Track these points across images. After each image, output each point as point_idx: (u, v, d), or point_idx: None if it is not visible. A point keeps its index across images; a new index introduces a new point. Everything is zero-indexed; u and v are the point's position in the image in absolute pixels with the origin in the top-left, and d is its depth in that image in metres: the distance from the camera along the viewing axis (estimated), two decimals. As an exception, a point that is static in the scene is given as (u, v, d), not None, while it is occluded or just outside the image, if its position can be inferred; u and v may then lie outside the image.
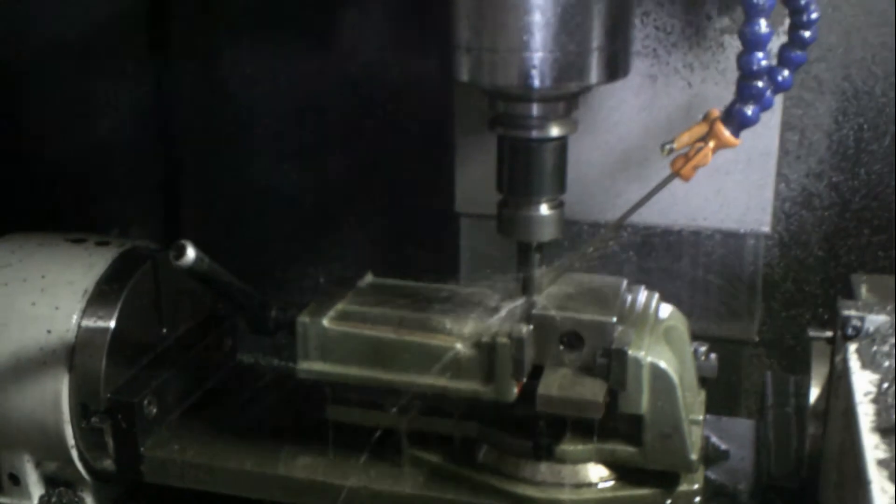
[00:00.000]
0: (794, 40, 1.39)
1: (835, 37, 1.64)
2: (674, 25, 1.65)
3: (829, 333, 1.30)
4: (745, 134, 1.40)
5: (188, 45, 2.03)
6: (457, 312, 1.40)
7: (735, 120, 1.38)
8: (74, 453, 1.52)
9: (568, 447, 1.37)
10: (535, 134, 1.33)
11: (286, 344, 1.89)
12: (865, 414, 1.03)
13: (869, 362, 1.13)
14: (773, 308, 1.80)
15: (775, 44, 1.38)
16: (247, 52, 1.99)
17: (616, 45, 1.30)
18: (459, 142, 1.80)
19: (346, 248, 2.04)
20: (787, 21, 1.40)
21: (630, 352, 1.29)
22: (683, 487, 1.37)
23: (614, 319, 1.33)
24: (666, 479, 1.37)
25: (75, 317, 1.50)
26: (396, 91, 1.91)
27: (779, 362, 1.82)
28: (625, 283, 1.44)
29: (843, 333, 1.20)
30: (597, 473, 1.38)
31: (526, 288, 1.40)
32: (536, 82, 1.26)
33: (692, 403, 1.40)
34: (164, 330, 1.63)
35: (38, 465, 1.56)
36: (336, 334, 1.39)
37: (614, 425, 1.35)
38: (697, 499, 1.37)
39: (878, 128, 1.68)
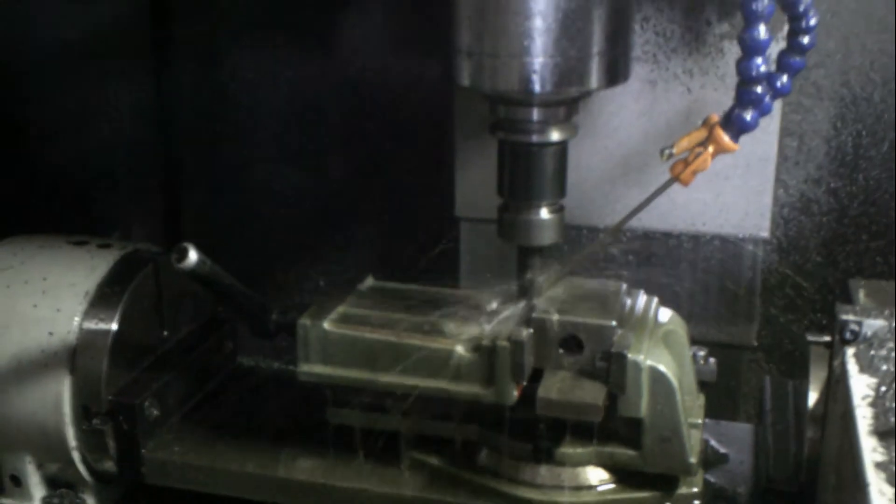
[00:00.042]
0: (793, 46, 1.40)
1: (833, 43, 1.64)
2: (673, 31, 1.66)
3: (827, 338, 1.31)
4: (744, 139, 1.41)
5: (190, 47, 2.03)
6: (457, 316, 1.40)
7: (734, 125, 1.38)
8: (76, 455, 1.53)
9: (567, 450, 1.37)
10: (535, 138, 1.34)
11: (286, 347, 1.91)
12: (863, 417, 1.04)
13: (867, 366, 1.14)
14: (771, 313, 1.80)
15: (774, 50, 1.39)
16: (248, 54, 1.99)
17: (616, 51, 1.31)
18: (459, 146, 1.81)
19: (345, 251, 2.04)
20: (785, 27, 1.41)
21: (629, 355, 1.30)
22: (682, 490, 1.37)
23: (614, 323, 1.33)
24: (665, 482, 1.37)
25: (77, 319, 1.51)
26: (397, 95, 1.92)
27: (777, 367, 1.82)
28: (624, 287, 1.44)
29: (842, 338, 1.20)
30: (596, 476, 1.39)
31: (526, 292, 1.41)
32: (537, 87, 1.27)
33: (691, 407, 1.40)
34: (166, 332, 1.63)
35: (39, 466, 1.56)
36: (337, 337, 1.39)
37: (614, 428, 1.36)
38: (696, 502, 1.38)
39: (877, 134, 1.68)
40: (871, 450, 0.97)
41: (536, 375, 1.35)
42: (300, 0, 1.91)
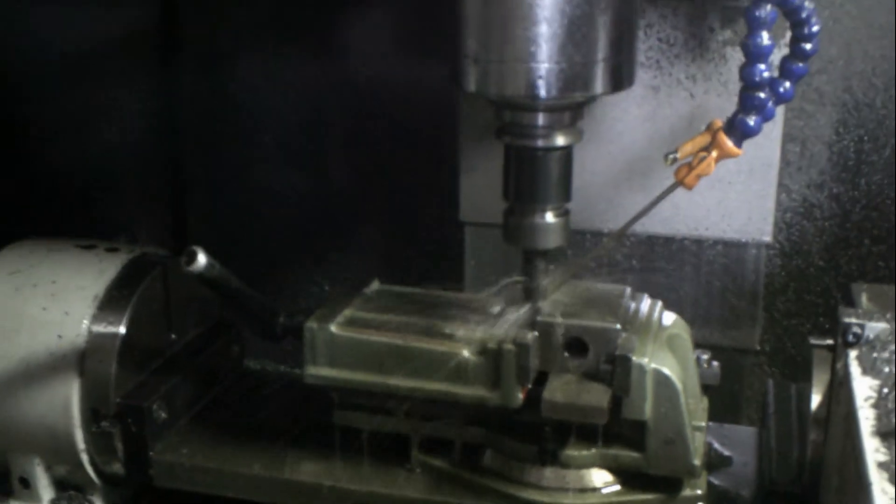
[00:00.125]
0: (796, 52, 1.41)
1: (835, 49, 1.65)
2: (677, 37, 1.67)
3: (829, 341, 1.31)
4: (746, 145, 1.42)
5: (196, 53, 2.05)
6: (463, 319, 1.42)
7: (737, 130, 1.40)
8: (84, 457, 1.54)
9: (572, 452, 1.38)
10: (541, 143, 1.35)
11: (292, 351, 1.92)
12: (866, 418, 1.05)
13: (869, 368, 1.15)
14: (774, 317, 1.81)
15: (777, 56, 1.40)
16: (252, 58, 2.00)
17: (621, 57, 1.32)
18: (464, 150, 1.82)
19: (349, 255, 2.05)
20: (788, 34, 1.43)
21: (634, 358, 1.31)
22: (686, 492, 1.38)
23: (618, 326, 1.34)
24: (669, 485, 1.38)
25: (86, 322, 1.52)
26: (401, 99, 1.93)
27: (780, 371, 1.83)
28: (628, 290, 1.45)
29: (844, 340, 1.22)
30: (600, 478, 1.39)
31: (531, 295, 1.42)
32: (543, 92, 1.28)
33: (695, 410, 1.41)
34: (173, 336, 1.64)
35: (48, 468, 1.57)
36: (344, 340, 1.40)
37: (618, 431, 1.36)
38: (700, 504, 1.39)
39: (879, 139, 1.69)
40: (873, 450, 0.99)
41: (541, 378, 1.36)
42: (304, 4, 1.93)
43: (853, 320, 1.22)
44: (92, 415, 1.51)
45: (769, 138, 1.64)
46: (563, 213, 1.40)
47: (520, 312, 1.40)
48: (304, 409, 1.61)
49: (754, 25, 1.34)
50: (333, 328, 1.41)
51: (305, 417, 1.59)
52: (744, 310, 1.78)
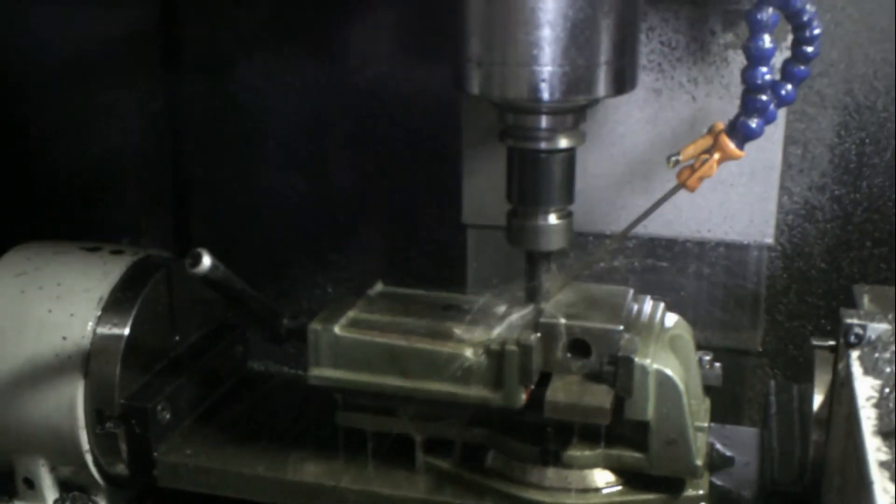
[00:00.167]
0: (797, 55, 1.42)
1: (837, 52, 1.66)
2: (678, 41, 1.67)
3: (831, 342, 1.32)
4: (748, 147, 1.43)
5: (196, 54, 2.05)
6: (466, 320, 1.42)
7: (739, 133, 1.40)
8: (89, 458, 1.54)
9: (575, 453, 1.39)
10: (544, 145, 1.36)
11: (295, 354, 1.93)
12: (868, 418, 1.05)
13: (871, 369, 1.16)
14: (776, 319, 1.81)
15: (778, 59, 1.41)
16: (256, 62, 2.00)
17: (624, 60, 1.33)
18: (466, 153, 1.83)
19: (352, 257, 2.05)
20: (790, 37, 1.43)
21: (636, 359, 1.31)
22: (688, 493, 1.38)
23: (621, 328, 1.35)
24: (671, 485, 1.38)
25: (91, 324, 1.52)
26: (403, 102, 1.93)
27: (782, 372, 1.83)
28: (631, 292, 1.46)
29: (846, 341, 1.22)
30: (603, 478, 1.40)
31: (533, 296, 1.43)
32: (546, 95, 1.29)
33: (697, 411, 1.41)
34: (177, 337, 1.65)
35: (52, 469, 1.57)
36: (347, 341, 1.41)
37: (620, 431, 1.37)
38: (702, 504, 1.40)
39: (880, 142, 1.69)
40: (875, 449, 0.99)
41: (544, 379, 1.36)
42: (307, 9, 1.93)
43: (855, 321, 1.22)
44: (96, 416, 1.52)
45: (771, 141, 1.65)
46: (567, 215, 1.41)
47: (523, 314, 1.40)
48: (307, 410, 1.62)
49: (756, 28, 1.35)
50: (337, 330, 1.41)
51: (308, 419, 1.60)
52: (746, 311, 1.79)
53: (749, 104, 1.39)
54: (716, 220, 1.73)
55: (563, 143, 1.36)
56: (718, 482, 1.50)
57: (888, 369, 1.14)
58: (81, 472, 1.56)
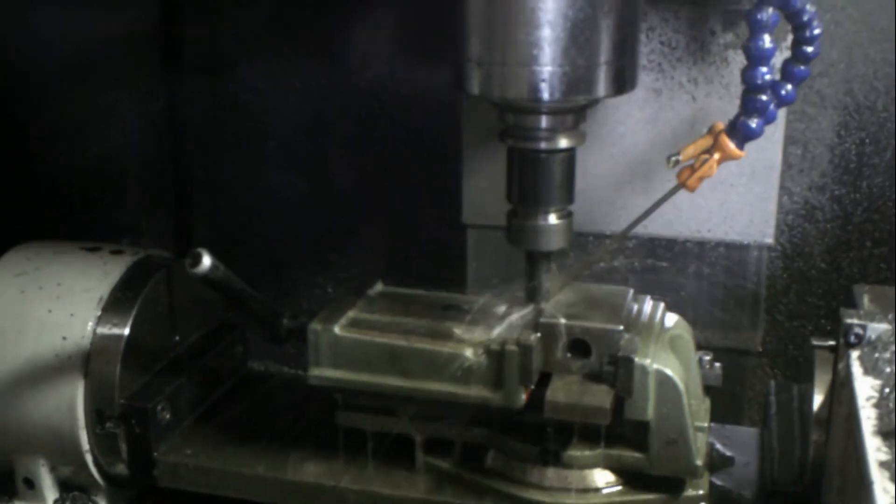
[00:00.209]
0: (797, 55, 1.42)
1: (837, 52, 1.66)
2: (678, 41, 1.68)
3: (831, 342, 1.32)
4: (748, 147, 1.43)
5: (199, 58, 2.05)
6: (466, 320, 1.42)
7: (739, 132, 1.41)
8: (89, 458, 1.54)
9: (575, 453, 1.39)
10: (544, 145, 1.36)
11: (294, 354, 1.93)
12: (868, 418, 1.06)
13: (871, 369, 1.16)
14: (776, 319, 1.81)
15: (779, 59, 1.41)
16: (256, 63, 2.01)
17: (623, 60, 1.33)
18: (466, 154, 1.83)
19: (352, 257, 2.06)
20: (790, 37, 1.43)
21: (636, 359, 1.32)
22: (688, 493, 1.39)
23: (621, 328, 1.35)
24: (671, 485, 1.39)
25: (91, 324, 1.53)
26: (404, 102, 1.93)
27: (782, 373, 1.83)
28: (631, 292, 1.46)
29: (846, 341, 1.22)
30: (603, 479, 1.40)
31: (533, 296, 1.43)
32: (546, 95, 1.29)
33: (697, 411, 1.41)
34: (177, 337, 1.65)
35: (52, 469, 1.57)
36: (348, 341, 1.41)
37: (620, 431, 1.37)
38: (702, 504, 1.40)
39: (880, 142, 1.70)
40: (875, 449, 0.99)
41: (544, 379, 1.37)
42: (307, 9, 1.93)
43: (855, 321, 1.22)
44: (96, 416, 1.52)
45: (771, 141, 1.65)
46: (567, 215, 1.42)
47: (523, 314, 1.40)
48: (306, 410, 1.62)
49: (756, 28, 1.35)
50: (337, 330, 1.42)
51: (308, 419, 1.60)
52: (746, 311, 1.79)
53: (749, 104, 1.39)
54: (716, 220, 1.73)
55: (564, 142, 1.37)
56: (718, 482, 1.50)
57: (888, 369, 1.14)
58: (81, 472, 1.56)
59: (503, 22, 1.28)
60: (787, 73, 1.43)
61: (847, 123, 1.70)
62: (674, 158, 1.42)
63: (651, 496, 1.39)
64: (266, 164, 2.05)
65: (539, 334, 1.36)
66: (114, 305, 1.54)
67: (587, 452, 1.39)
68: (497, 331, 1.38)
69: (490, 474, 1.43)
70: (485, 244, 1.87)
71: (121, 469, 1.55)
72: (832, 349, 1.31)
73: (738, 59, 1.62)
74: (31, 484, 1.58)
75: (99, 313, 1.53)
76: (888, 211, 1.72)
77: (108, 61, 2.08)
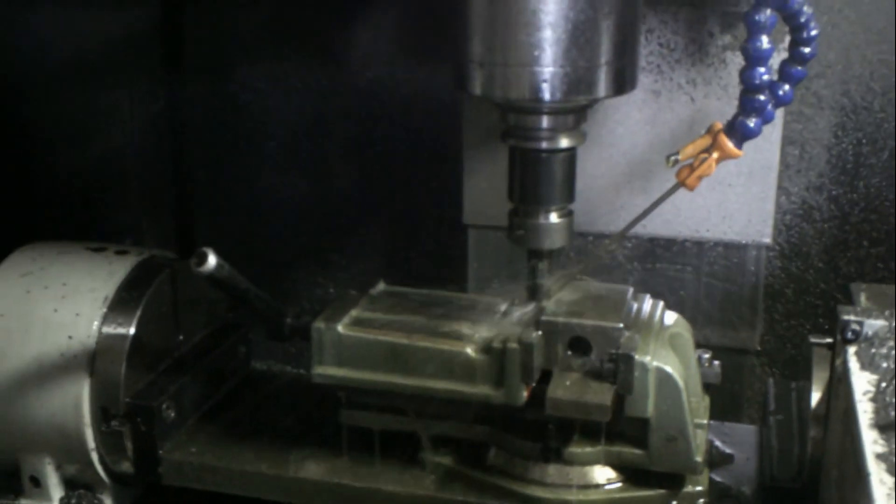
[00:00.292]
0: (795, 56, 1.43)
1: (834, 54, 1.67)
2: (677, 42, 1.69)
3: (829, 340, 1.33)
4: (746, 147, 1.44)
5: (200, 59, 2.05)
6: (468, 319, 1.44)
7: (738, 132, 1.42)
8: (94, 456, 1.55)
9: (576, 449, 1.40)
10: (545, 145, 1.38)
11: (296, 354, 1.94)
12: (865, 412, 1.07)
13: (868, 364, 1.17)
14: (774, 318, 1.82)
15: (776, 60, 1.42)
16: (258, 65, 2.01)
17: (624, 60, 1.34)
18: (467, 154, 1.83)
19: (354, 257, 2.06)
20: (787, 38, 1.45)
21: (636, 357, 1.33)
22: (688, 489, 1.40)
23: (621, 325, 1.36)
24: (671, 481, 1.40)
25: (96, 323, 1.54)
26: (405, 103, 1.93)
27: (780, 371, 1.84)
28: (631, 290, 1.47)
29: (843, 337, 1.23)
30: (604, 475, 1.41)
31: (535, 295, 1.44)
32: (547, 96, 1.31)
33: (697, 408, 1.43)
34: (181, 337, 1.66)
35: (58, 467, 1.58)
36: (351, 340, 1.42)
37: (621, 428, 1.39)
38: (702, 500, 1.40)
39: (877, 142, 1.71)
40: (871, 442, 1.01)
41: (545, 377, 1.38)
42: (308, 10, 1.94)
43: (852, 317, 1.24)
44: (102, 414, 1.53)
45: (769, 141, 1.66)
46: (567, 214, 1.43)
47: (524, 312, 1.42)
48: (310, 408, 1.63)
49: (754, 29, 1.36)
50: (340, 328, 1.43)
51: (311, 417, 1.61)
52: (744, 311, 1.80)
53: (747, 104, 1.41)
54: (714, 219, 1.74)
55: (564, 142, 1.38)
56: (718, 479, 1.51)
57: (885, 364, 1.16)
58: (87, 471, 1.57)
59: (505, 23, 1.29)
60: (784, 73, 1.44)
61: (844, 124, 1.71)
62: (673, 158, 1.43)
63: (651, 492, 1.40)
64: (266, 164, 2.06)
65: (540, 332, 1.37)
66: (119, 305, 1.55)
67: (588, 449, 1.40)
68: (499, 329, 1.40)
69: (492, 471, 1.44)
70: (485, 244, 1.88)
71: (126, 467, 1.56)
72: (830, 346, 1.32)
73: (736, 61, 1.63)
74: (38, 482, 1.59)
75: (104, 312, 1.54)
76: (885, 211, 1.73)
77: (108, 61, 2.08)
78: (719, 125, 1.44)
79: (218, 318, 1.75)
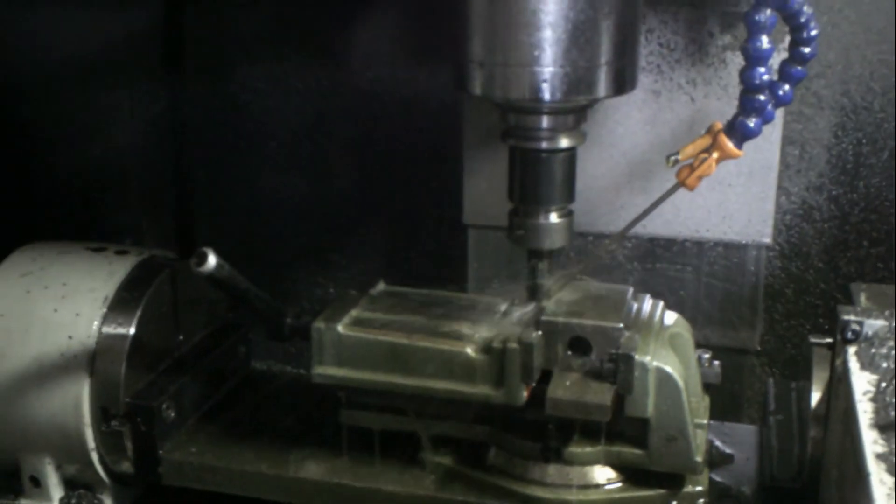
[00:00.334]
0: (795, 56, 1.44)
1: (834, 54, 1.67)
2: (677, 42, 1.69)
3: (829, 340, 1.33)
4: (746, 147, 1.45)
5: (200, 59, 2.05)
6: (468, 319, 1.44)
7: (738, 132, 1.42)
8: (94, 456, 1.55)
9: (576, 449, 1.40)
10: (545, 145, 1.38)
11: (296, 354, 1.94)
12: (865, 411, 1.07)
13: (868, 364, 1.17)
14: (774, 318, 1.82)
15: (776, 60, 1.42)
16: (258, 65, 2.01)
17: (624, 60, 1.34)
18: (467, 154, 1.84)
19: (354, 258, 2.06)
20: (787, 38, 1.45)
21: (636, 357, 1.33)
22: (688, 489, 1.40)
23: (621, 325, 1.36)
24: (671, 481, 1.40)
25: (96, 323, 1.54)
26: (405, 103, 1.93)
27: (780, 371, 1.84)
28: (631, 290, 1.47)
29: (843, 337, 1.23)
30: (604, 475, 1.41)
31: (535, 295, 1.44)
32: (547, 96, 1.31)
33: (697, 408, 1.43)
34: (181, 337, 1.66)
35: (58, 467, 1.58)
36: (351, 340, 1.42)
37: (621, 428, 1.39)
38: (702, 500, 1.40)
39: (877, 142, 1.71)
40: (871, 442, 1.01)
41: (545, 377, 1.38)
42: (309, 10, 1.94)
43: (852, 317, 1.24)
44: (102, 414, 1.53)
45: (769, 141, 1.66)
46: (567, 214, 1.43)
47: (524, 312, 1.42)
48: (310, 408, 1.63)
49: (754, 29, 1.36)
50: (340, 328, 1.43)
51: (311, 417, 1.61)
52: (744, 311, 1.80)
53: (747, 104, 1.41)
54: (714, 219, 1.74)
55: (565, 142, 1.38)
56: (718, 479, 1.51)
57: (885, 364, 1.16)
58: (87, 471, 1.57)
59: (505, 24, 1.30)
60: (784, 73, 1.44)
61: (844, 124, 1.71)
62: (673, 158, 1.43)
63: (651, 492, 1.40)
64: (267, 164, 2.06)
65: (540, 332, 1.37)
66: (119, 305, 1.55)
67: (588, 449, 1.40)
68: (499, 329, 1.40)
69: (492, 471, 1.45)
70: (485, 244, 1.88)
71: (126, 467, 1.56)
72: (830, 346, 1.32)
73: (736, 61, 1.63)
74: (38, 482, 1.59)
75: (104, 312, 1.54)
76: (885, 211, 1.73)
77: (109, 62, 2.08)
78: (719, 125, 1.44)
79: (218, 318, 1.75)
